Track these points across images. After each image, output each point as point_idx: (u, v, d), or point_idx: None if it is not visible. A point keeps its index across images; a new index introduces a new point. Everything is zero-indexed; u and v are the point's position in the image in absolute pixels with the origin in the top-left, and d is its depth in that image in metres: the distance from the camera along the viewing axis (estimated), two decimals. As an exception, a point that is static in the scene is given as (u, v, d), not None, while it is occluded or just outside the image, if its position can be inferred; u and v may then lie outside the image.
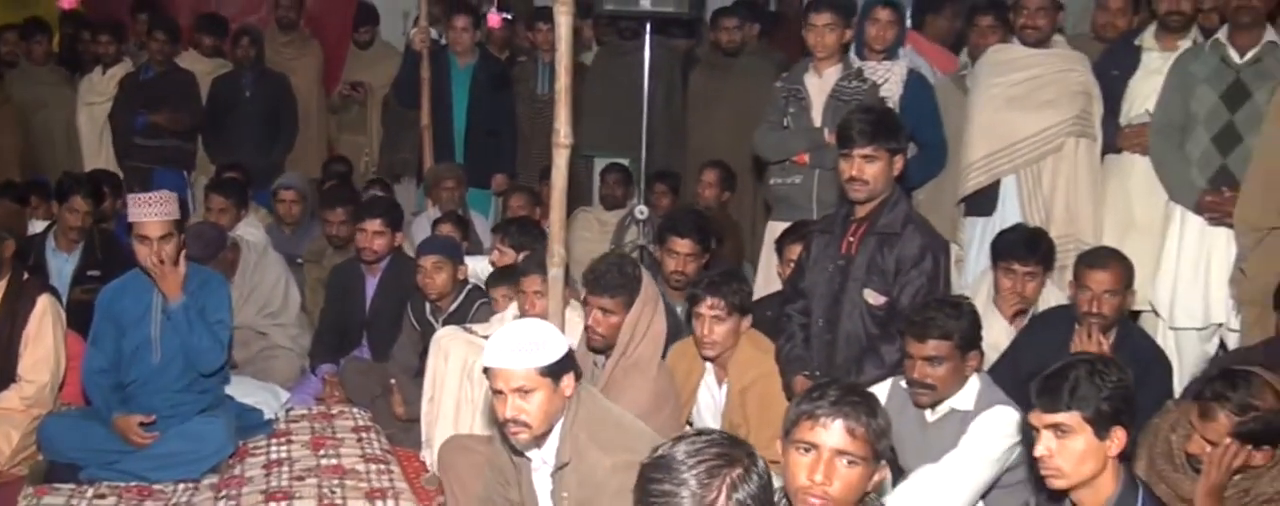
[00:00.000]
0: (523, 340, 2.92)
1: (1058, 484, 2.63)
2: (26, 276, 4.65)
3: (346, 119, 7.96)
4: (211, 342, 4.34)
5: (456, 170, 6.59)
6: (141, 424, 4.26)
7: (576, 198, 6.71)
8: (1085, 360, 2.61)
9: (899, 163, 3.81)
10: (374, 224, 5.21)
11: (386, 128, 7.72)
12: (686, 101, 6.81)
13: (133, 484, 4.16)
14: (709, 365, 4.10)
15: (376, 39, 8.13)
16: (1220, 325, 4.50)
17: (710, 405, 4.10)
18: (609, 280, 3.83)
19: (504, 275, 4.66)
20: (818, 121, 4.98)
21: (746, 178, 6.13)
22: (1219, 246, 4.43)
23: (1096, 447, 2.57)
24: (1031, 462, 2.83)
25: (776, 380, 3.91)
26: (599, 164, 6.83)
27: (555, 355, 2.93)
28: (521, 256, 4.77)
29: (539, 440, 3.03)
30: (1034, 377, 2.68)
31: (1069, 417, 2.56)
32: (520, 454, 3.13)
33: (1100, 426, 2.55)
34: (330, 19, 8.28)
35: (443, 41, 6.96)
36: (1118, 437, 2.57)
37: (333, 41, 8.10)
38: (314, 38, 7.96)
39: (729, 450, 2.12)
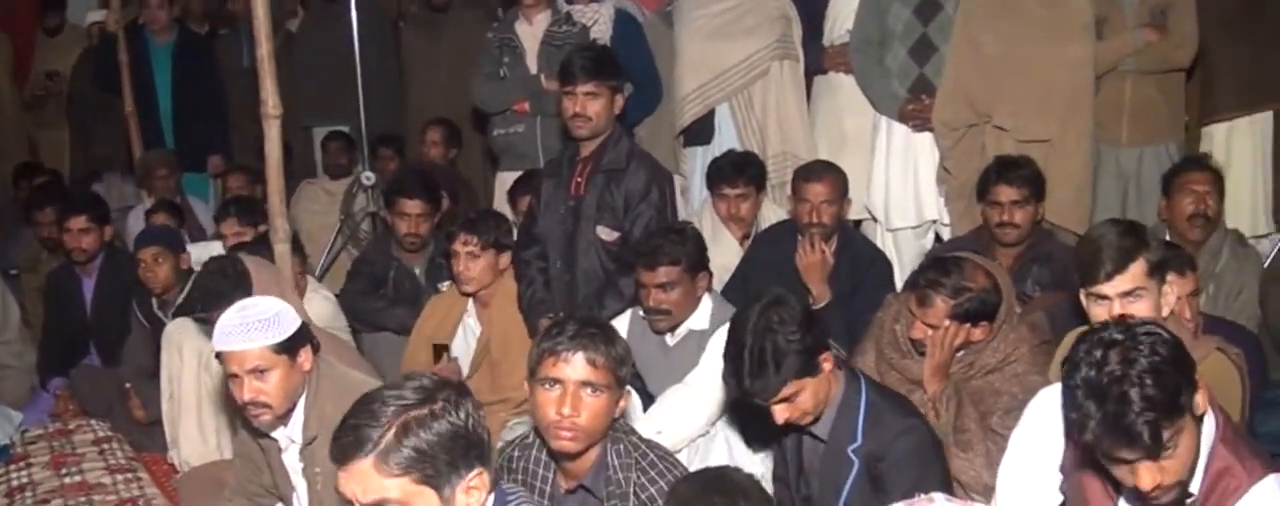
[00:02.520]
0: (251, 319, 2.83)
1: (812, 424, 2.78)
2: None
3: (45, 114, 7.46)
4: None
5: (168, 156, 6.31)
6: None
7: (301, 170, 6.55)
8: (760, 329, 2.65)
9: (620, 100, 3.89)
10: (78, 221, 4.98)
11: (76, 121, 7.29)
12: (400, 61, 6.70)
13: None
14: (470, 306, 4.16)
15: (66, 24, 7.63)
16: (933, 222, 4.79)
17: (469, 344, 4.17)
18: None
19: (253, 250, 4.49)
20: (533, 69, 5.01)
21: (470, 131, 6.11)
22: (924, 150, 4.69)
23: (818, 383, 2.71)
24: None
25: None
26: (319, 133, 6.66)
27: (288, 331, 2.86)
28: (260, 231, 4.62)
29: (283, 419, 2.96)
30: (763, 291, 2.79)
31: (788, 389, 2.66)
32: (266, 436, 3.05)
33: (811, 371, 2.68)
34: (15, 7, 7.77)
35: (139, 20, 6.60)
36: (825, 362, 2.71)
37: (20, 31, 7.58)
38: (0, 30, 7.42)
39: (430, 393, 1.93)
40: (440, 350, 4.14)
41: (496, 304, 4.10)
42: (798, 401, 2.69)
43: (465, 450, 1.89)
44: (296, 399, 2.94)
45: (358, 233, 5.82)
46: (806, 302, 2.83)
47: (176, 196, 5.96)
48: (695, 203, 5.01)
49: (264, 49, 3.84)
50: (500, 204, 5.13)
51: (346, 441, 1.90)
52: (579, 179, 3.92)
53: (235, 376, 2.85)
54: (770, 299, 2.71)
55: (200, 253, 4.58)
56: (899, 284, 4.25)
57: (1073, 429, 2.04)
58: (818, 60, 4.99)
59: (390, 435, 1.86)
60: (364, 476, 1.87)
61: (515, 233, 4.28)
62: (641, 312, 3.64)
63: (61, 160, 7.29)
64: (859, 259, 4.23)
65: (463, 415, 1.91)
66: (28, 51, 7.65)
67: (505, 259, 4.10)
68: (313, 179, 6.45)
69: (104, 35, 6.86)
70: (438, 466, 1.87)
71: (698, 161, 5.09)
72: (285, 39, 6.50)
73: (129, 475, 4.11)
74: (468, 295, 4.15)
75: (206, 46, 6.93)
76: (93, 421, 4.69)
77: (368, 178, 5.70)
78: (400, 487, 1.86)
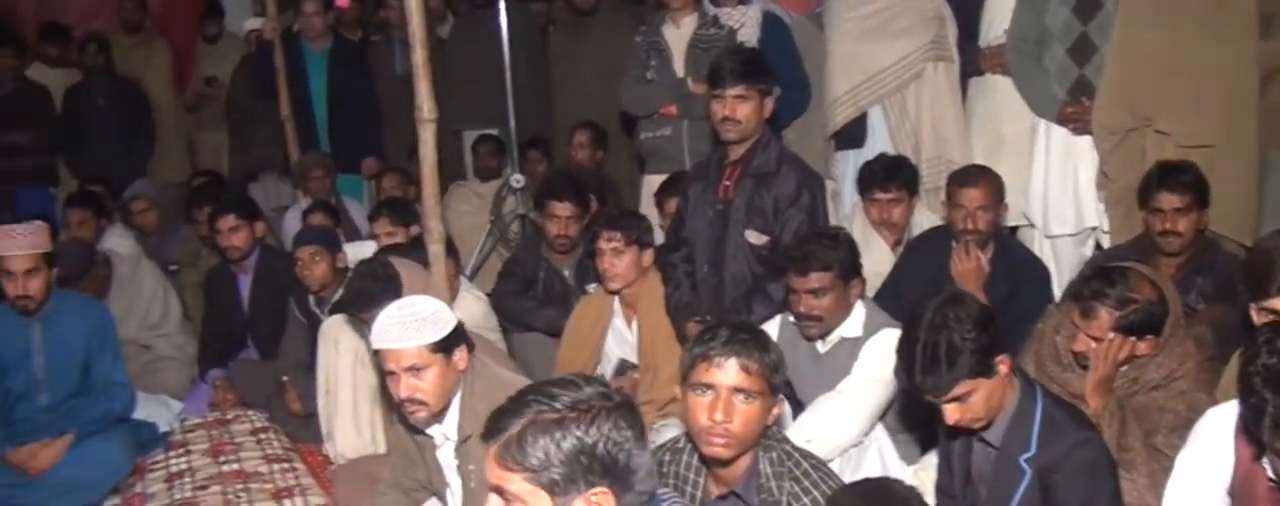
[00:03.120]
0: (410, 318, 2.88)
1: (983, 429, 2.70)
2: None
3: (204, 117, 7.74)
4: (109, 407, 4.30)
5: (323, 158, 6.48)
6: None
7: (450, 172, 6.67)
8: (937, 325, 2.58)
9: (770, 104, 3.85)
10: (228, 220, 5.11)
11: (234, 125, 7.54)
12: (548, 65, 6.76)
13: (34, 514, 4.02)
14: (617, 306, 4.17)
15: (224, 32, 7.92)
16: (1093, 229, 4.63)
17: (619, 346, 4.18)
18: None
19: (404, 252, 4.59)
20: (680, 72, 5.00)
21: (617, 134, 6.13)
22: (1084, 154, 4.53)
23: (993, 386, 2.62)
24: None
25: None
26: (469, 136, 6.76)
27: (444, 330, 2.90)
28: (413, 230, 4.72)
29: (439, 416, 3.00)
30: (916, 298, 2.73)
31: (961, 388, 2.58)
32: (421, 432, 3.10)
33: (986, 372, 2.60)
34: (176, 16, 8.09)
35: (295, 28, 6.82)
36: (1002, 364, 2.63)
37: (181, 39, 7.88)
38: (161, 37, 7.75)
39: (577, 402, 1.88)
40: (627, 366, 4.17)
41: (643, 306, 4.11)
42: (970, 402, 2.61)
43: (587, 466, 1.86)
44: (452, 397, 2.98)
45: (507, 234, 5.91)
46: (984, 303, 2.74)
47: (331, 197, 6.12)
48: (846, 207, 4.94)
49: (419, 55, 3.90)
50: (646, 207, 5.13)
51: (489, 424, 1.93)
52: (728, 182, 3.89)
53: (392, 374, 2.90)
54: (947, 296, 2.65)
55: (355, 252, 4.69)
56: (1056, 293, 4.12)
57: (1247, 417, 1.98)
58: (974, 61, 4.87)
59: (515, 431, 1.87)
60: (490, 461, 1.90)
61: (661, 235, 4.27)
62: (792, 318, 3.59)
63: (220, 162, 7.55)
64: (1015, 267, 4.11)
65: (596, 432, 1.87)
66: (188, 58, 7.93)
67: (649, 256, 4.12)
68: (463, 181, 6.56)
69: (261, 42, 7.09)
70: (552, 474, 1.85)
71: (849, 165, 5.01)
72: (436, 45, 6.63)
73: (285, 465, 4.21)
74: (613, 292, 4.17)
75: (360, 53, 7.11)
76: (250, 412, 4.83)
77: (517, 180, 5.78)
78: (514, 483, 1.87)
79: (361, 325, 4.10)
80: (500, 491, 1.89)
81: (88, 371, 4.31)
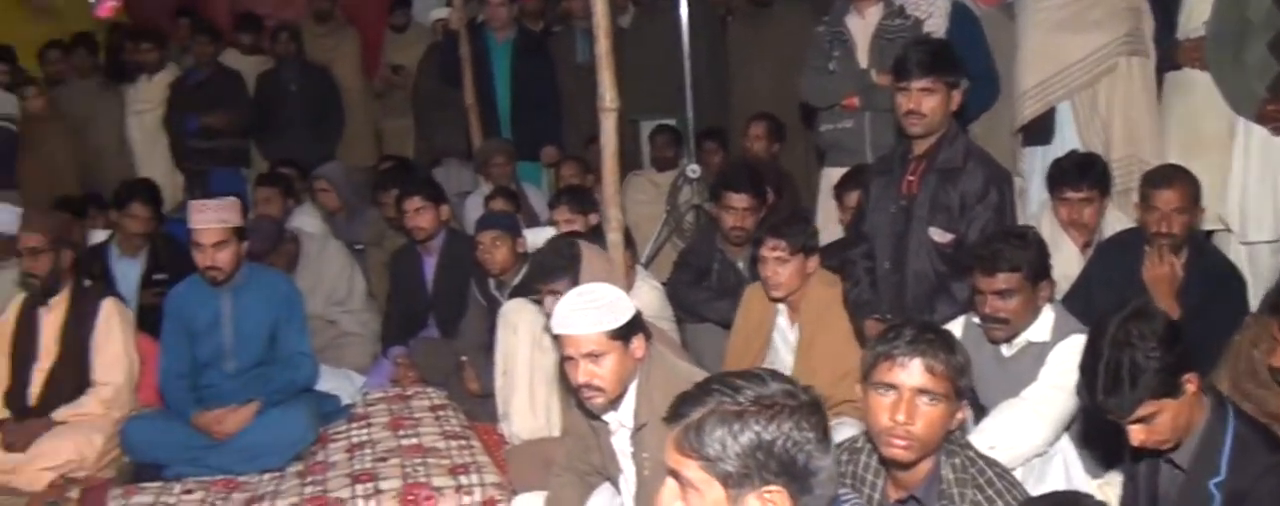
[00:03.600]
0: (590, 304, 2.92)
1: (1170, 450, 2.59)
2: (88, 284, 4.72)
3: (391, 104, 7.99)
4: (294, 377, 4.49)
5: (505, 145, 6.63)
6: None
7: (627, 162, 6.72)
8: (1118, 341, 2.47)
9: (957, 97, 3.76)
10: (414, 202, 5.26)
11: (419, 112, 7.76)
12: (727, 55, 6.75)
13: (218, 477, 4.22)
14: (781, 307, 4.13)
15: (411, 22, 8.15)
16: (1293, 237, 4.40)
17: (783, 347, 4.13)
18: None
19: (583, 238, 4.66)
20: (864, 63, 4.93)
21: (795, 126, 6.08)
22: (1286, 156, 4.33)
23: (1179, 407, 2.50)
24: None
25: (839, 308, 3.94)
26: (646, 127, 6.81)
27: (622, 318, 2.93)
28: (590, 220, 4.78)
29: (614, 403, 3.03)
30: (1109, 304, 2.62)
31: (1145, 408, 2.47)
32: (597, 418, 3.14)
33: (1172, 392, 2.48)
34: (365, 5, 8.34)
35: (480, 18, 6.98)
36: (1190, 383, 2.50)
37: (369, 28, 8.14)
38: (350, 25, 8.01)
39: (762, 398, 1.87)
40: None
41: (805, 308, 4.04)
42: (1155, 423, 2.49)
43: (763, 463, 1.83)
44: (628, 384, 3.00)
45: (682, 224, 5.93)
46: (1171, 318, 2.62)
47: (512, 183, 6.24)
48: (1032, 205, 4.79)
49: (603, 45, 3.96)
50: (825, 200, 5.08)
51: (672, 407, 1.93)
52: (912, 177, 3.81)
53: (571, 359, 2.95)
54: (1132, 310, 2.53)
55: (535, 238, 4.77)
56: (1253, 303, 3.92)
57: None
58: (1171, 55, 4.66)
59: (695, 418, 1.86)
60: (670, 445, 1.90)
61: (839, 230, 4.21)
62: (976, 320, 3.50)
63: (405, 148, 7.78)
64: (1210, 273, 3.91)
65: (775, 429, 1.84)
66: (376, 47, 8.19)
67: (814, 262, 4.04)
68: (639, 171, 6.61)
69: (447, 32, 7.31)
70: (727, 466, 1.84)
71: (1037, 161, 4.86)
72: (617, 35, 6.68)
73: (462, 442, 4.29)
74: (776, 301, 4.11)
75: (542, 43, 7.22)
76: (430, 389, 4.94)
77: (693, 170, 5.80)
78: (690, 469, 1.86)
79: (538, 303, 4.20)
80: (676, 475, 1.90)
81: (274, 342, 4.50)
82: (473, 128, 6.82)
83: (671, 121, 6.54)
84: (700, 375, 3.15)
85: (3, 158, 6.89)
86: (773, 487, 1.84)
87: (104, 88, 7.58)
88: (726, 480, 1.85)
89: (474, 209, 6.20)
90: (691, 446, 1.86)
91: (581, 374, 2.94)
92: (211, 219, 4.30)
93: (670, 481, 1.91)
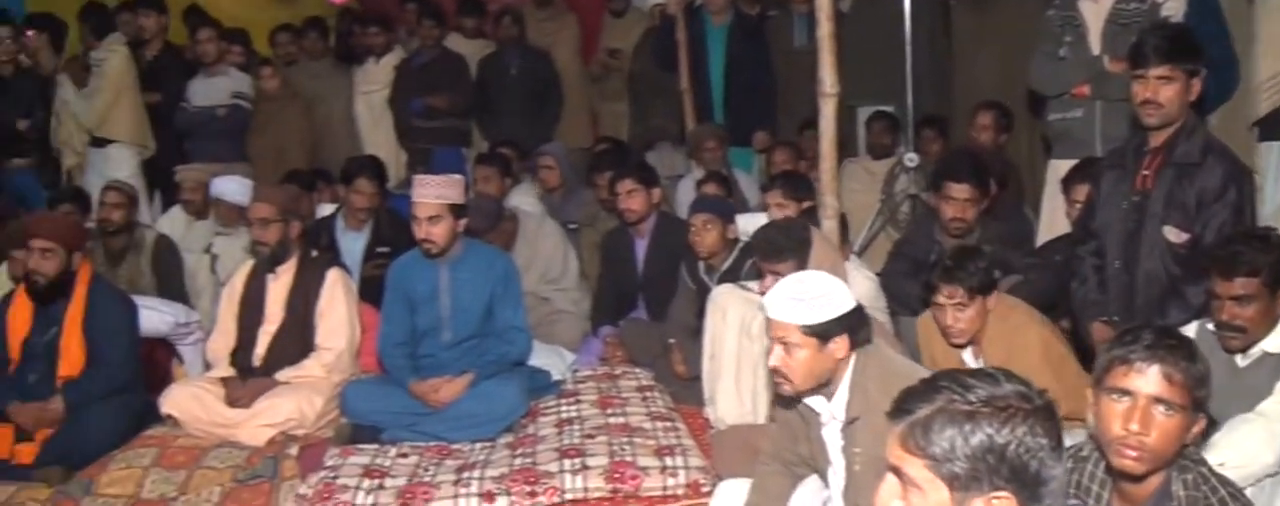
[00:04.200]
0: (799, 295, 2.87)
1: None
2: (315, 254, 4.96)
3: (607, 87, 8.09)
4: (508, 350, 4.60)
5: (717, 130, 6.64)
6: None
7: (842, 148, 6.63)
8: None
9: (1196, 86, 3.55)
10: (626, 184, 5.31)
11: (635, 95, 7.83)
12: (950, 41, 6.57)
13: (432, 444, 4.35)
14: None
15: (629, 6, 8.23)
16: None
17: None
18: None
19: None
20: (1096, 49, 4.71)
21: (1021, 115, 5.87)
22: None
23: None
24: None
25: (1024, 338, 3.69)
26: (863, 112, 6.70)
27: (824, 316, 2.85)
28: (803, 206, 4.73)
29: (828, 394, 2.98)
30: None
31: None
32: (795, 406, 3.09)
33: None
34: (585, -10, 8.45)
35: (697, 3, 6.99)
36: None
37: (588, 12, 8.25)
38: (570, 10, 8.14)
39: (994, 398, 1.79)
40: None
41: (989, 344, 3.76)
42: None
43: (994, 467, 1.76)
44: (819, 381, 2.93)
45: (897, 214, 5.81)
46: None
47: (724, 168, 6.24)
48: (1269, 204, 4.50)
49: (825, 29, 3.91)
50: (1052, 193, 4.88)
51: (897, 402, 1.87)
52: (1146, 172, 3.62)
53: (771, 339, 2.92)
54: None
55: (746, 223, 4.75)
56: None
57: None
58: None
59: (923, 415, 1.80)
60: (892, 442, 1.84)
61: (1069, 225, 4.03)
62: (1210, 326, 3.29)
63: (620, 131, 7.85)
64: None
65: (1008, 433, 1.76)
66: (595, 31, 8.28)
67: (993, 300, 3.74)
68: (855, 158, 6.51)
69: (665, 16, 7.34)
70: (955, 468, 1.77)
71: (1273, 158, 4.58)
72: (837, 19, 6.58)
73: (668, 423, 4.31)
74: (958, 347, 3.81)
75: (759, 27, 7.18)
76: (637, 369, 4.99)
77: (911, 159, 5.67)
78: (914, 468, 1.80)
79: (747, 290, 4.18)
80: (898, 472, 1.84)
81: (490, 316, 4.62)
82: (686, 112, 6.85)
83: (889, 108, 6.40)
84: (918, 369, 3.08)
85: (237, 133, 7.28)
86: (1001, 494, 1.77)
87: (334, 69, 7.92)
88: (953, 482, 1.78)
89: (685, 193, 6.23)
90: (917, 444, 1.80)
91: (774, 358, 2.91)
92: (431, 194, 4.46)
93: (891, 478, 1.86)
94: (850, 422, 2.97)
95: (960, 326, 3.70)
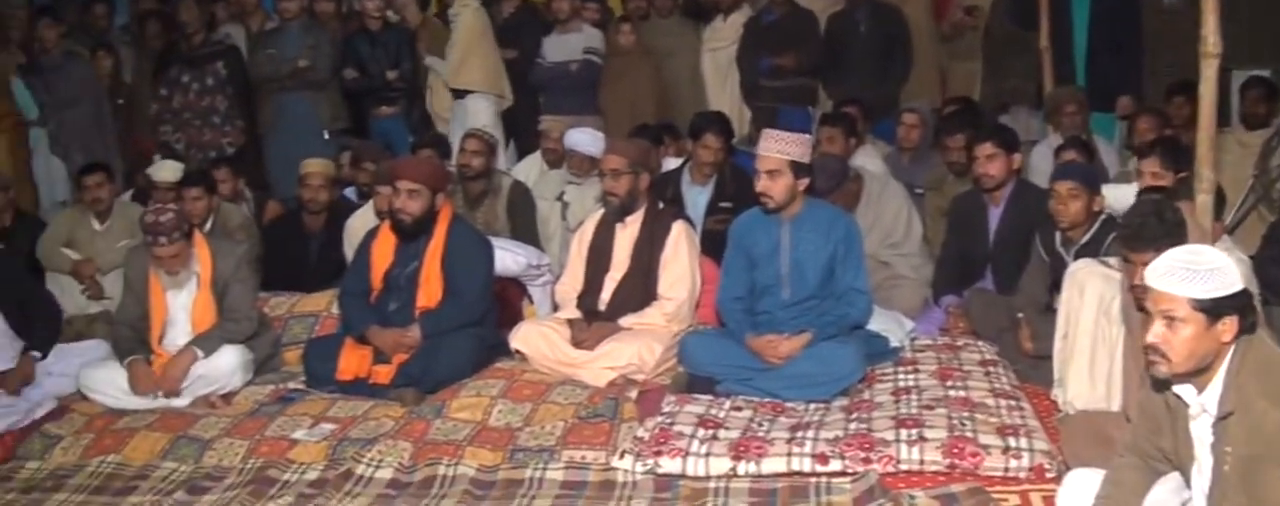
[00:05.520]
0: (1192, 266, 2.65)
1: None
2: (661, 206, 5.10)
3: (959, 46, 7.81)
4: (848, 312, 4.55)
5: (1078, 93, 6.31)
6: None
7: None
8: None
9: None
10: (985, 148, 5.12)
11: (989, 54, 7.51)
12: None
13: (766, 400, 4.39)
14: None
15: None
16: None
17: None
18: None
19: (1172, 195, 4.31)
20: None
21: None
22: None
23: None
24: None
25: None
26: (1238, 78, 6.15)
27: (1216, 291, 2.64)
28: (1178, 177, 4.40)
29: (1201, 384, 2.76)
30: None
31: None
32: (1177, 395, 2.87)
33: None
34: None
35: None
36: None
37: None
38: (924, -35, 7.88)
39: None
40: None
41: None
42: None
43: None
44: (1201, 364, 2.72)
45: (1271, 192, 5.33)
46: None
47: (1084, 134, 5.91)
48: None
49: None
50: None
51: None
52: None
53: (1150, 315, 2.73)
54: None
55: (1113, 194, 4.49)
56: None
57: None
58: None
59: None
60: None
61: None
62: None
63: (971, 92, 7.56)
64: None
65: None
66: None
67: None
68: (1226, 128, 6.00)
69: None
70: None
71: None
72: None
73: (1012, 402, 4.14)
74: None
75: (1129, -17, 6.72)
76: (980, 342, 4.85)
77: (1293, 131, 5.18)
78: None
79: (1107, 266, 3.93)
80: None
81: (830, 276, 4.58)
82: (1045, 73, 6.53)
83: (1266, 73, 5.85)
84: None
85: (588, 87, 7.55)
86: None
87: (682, 25, 8.03)
88: None
89: (1040, 159, 5.97)
90: None
91: (1153, 333, 2.70)
92: (773, 148, 4.49)
93: None
94: (1223, 418, 2.74)
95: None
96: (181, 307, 4.90)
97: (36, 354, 4.95)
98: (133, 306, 4.94)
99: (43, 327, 5.08)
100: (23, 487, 4.12)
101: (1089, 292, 3.98)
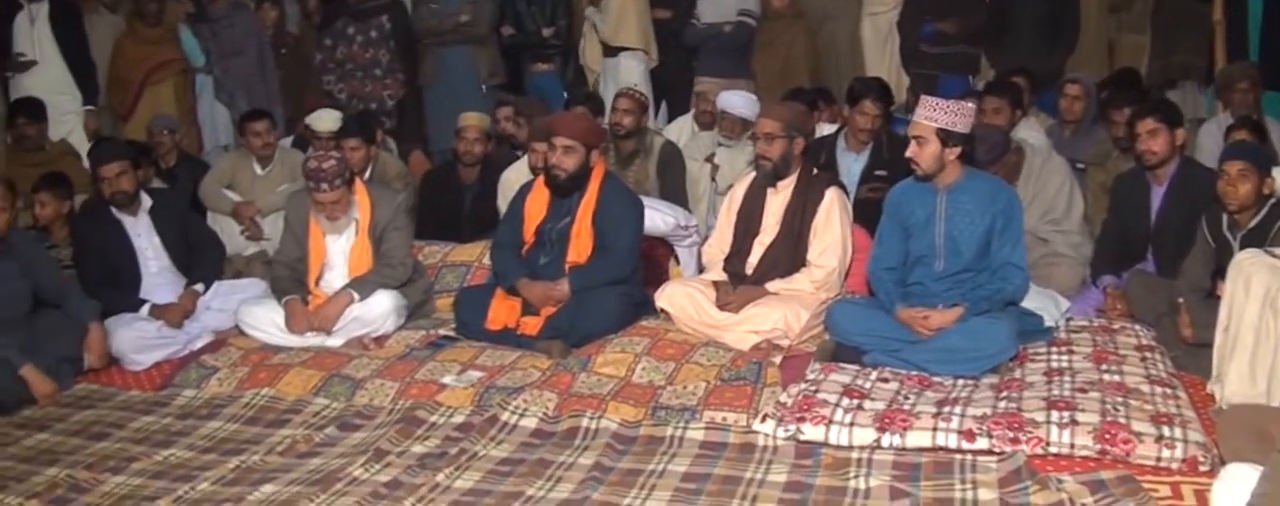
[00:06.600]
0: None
1: None
2: (815, 172, 5.05)
3: (1128, 17, 7.53)
4: (1003, 287, 4.44)
5: (1252, 70, 6.05)
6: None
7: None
8: None
9: None
10: (1148, 123, 4.96)
11: (1160, 27, 7.24)
12: None
13: (914, 373, 4.33)
14: None
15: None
16: None
17: None
18: None
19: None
20: None
21: None
22: None
23: None
24: None
25: None
26: None
27: None
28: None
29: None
30: None
31: None
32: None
33: None
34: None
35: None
36: None
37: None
38: (1098, -69, 7.61)
39: None
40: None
41: None
42: None
43: None
44: None
45: None
46: None
47: (1256, 113, 5.67)
48: None
49: None
50: None
51: None
52: None
53: None
54: None
55: (1283, 178, 4.30)
56: None
57: None
58: None
59: None
60: None
61: None
62: None
63: (1138, 64, 7.30)
64: None
65: None
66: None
67: None
68: None
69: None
70: None
71: None
72: None
73: (1167, 390, 4.02)
74: None
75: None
76: (1138, 326, 4.72)
77: None
78: None
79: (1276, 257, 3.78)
80: None
81: (986, 250, 4.49)
82: (1217, 48, 6.26)
83: None
84: None
85: (741, 49, 7.53)
86: None
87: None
88: None
89: (1208, 139, 5.75)
90: None
91: None
92: (923, 114, 4.42)
93: None
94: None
95: None
96: (339, 252, 5.09)
97: (199, 287, 5.19)
98: (292, 248, 5.14)
99: (205, 264, 5.34)
100: (179, 414, 4.35)
101: (1255, 285, 3.83)
